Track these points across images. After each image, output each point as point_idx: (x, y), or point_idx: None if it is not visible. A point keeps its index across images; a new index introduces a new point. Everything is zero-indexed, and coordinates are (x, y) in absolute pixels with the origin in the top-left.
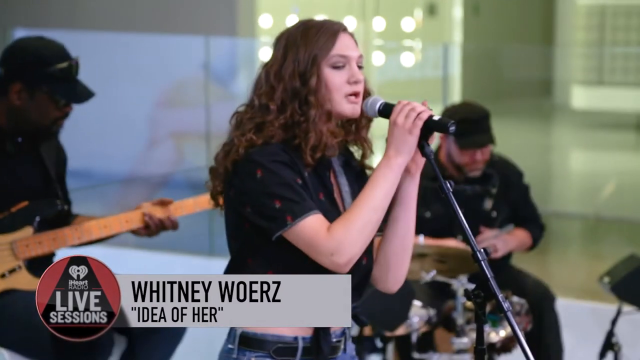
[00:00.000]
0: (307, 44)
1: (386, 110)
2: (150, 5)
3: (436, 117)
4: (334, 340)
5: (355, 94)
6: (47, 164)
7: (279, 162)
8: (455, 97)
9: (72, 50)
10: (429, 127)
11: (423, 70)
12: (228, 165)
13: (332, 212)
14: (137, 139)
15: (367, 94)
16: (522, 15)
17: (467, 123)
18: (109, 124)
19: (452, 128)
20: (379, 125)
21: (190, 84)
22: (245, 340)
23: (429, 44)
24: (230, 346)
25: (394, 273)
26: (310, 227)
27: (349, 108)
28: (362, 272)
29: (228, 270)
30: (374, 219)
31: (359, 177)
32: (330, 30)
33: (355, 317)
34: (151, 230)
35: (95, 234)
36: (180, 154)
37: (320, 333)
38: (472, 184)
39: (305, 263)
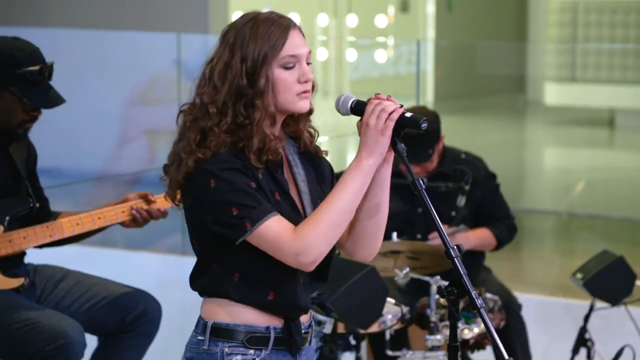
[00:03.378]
0: (257, 41)
1: (358, 108)
2: (123, 3)
3: (408, 114)
4: (304, 330)
5: (305, 92)
6: (17, 163)
7: (230, 170)
8: (429, 93)
9: (43, 48)
10: (401, 124)
11: (396, 67)
12: (180, 178)
13: (290, 210)
14: (108, 136)
15: (314, 87)
16: (495, 11)
17: (409, 137)
18: (79, 122)
19: (424, 125)
20: (350, 124)
21: (163, 81)
22: (216, 331)
23: (402, 40)
24: (200, 338)
25: (368, 247)
26: (272, 230)
27: (301, 105)
28: (324, 260)
29: (194, 273)
30: (342, 220)
31: (315, 160)
32: (280, 29)
33: (321, 305)
34: (139, 222)
35: (67, 231)
36: (152, 152)
37: (291, 324)
38: (446, 181)
39: (270, 263)
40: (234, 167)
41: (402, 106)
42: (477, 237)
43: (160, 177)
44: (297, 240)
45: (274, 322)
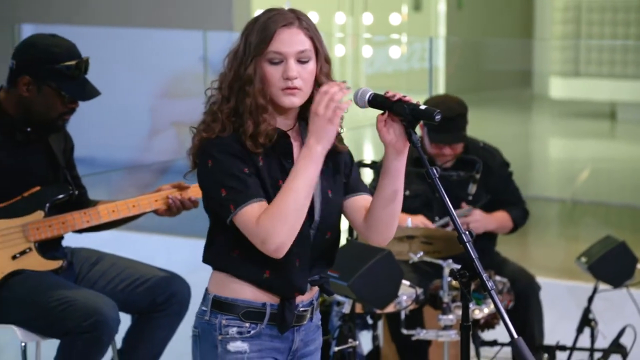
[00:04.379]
0: (254, 34)
1: (375, 101)
2: (152, 2)
3: (422, 107)
4: (301, 309)
5: (290, 88)
6: (56, 152)
7: (227, 154)
8: (440, 88)
9: (78, 44)
10: (416, 116)
11: (409, 63)
12: (192, 156)
13: None
14: (139, 128)
15: (320, 84)
16: (503, 10)
17: (443, 120)
18: (112, 114)
19: (438, 117)
20: (367, 115)
21: (190, 76)
22: (217, 304)
23: (415, 37)
24: (204, 308)
25: (382, 234)
26: (246, 216)
27: (286, 100)
28: (327, 244)
29: (205, 246)
30: (297, 207)
31: (335, 153)
32: (275, 24)
33: (321, 287)
34: (172, 211)
35: (104, 217)
36: (180, 142)
37: (286, 302)
38: (457, 169)
39: None
40: (231, 152)
41: (349, 88)
42: (496, 220)
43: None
44: (259, 228)
45: (271, 299)
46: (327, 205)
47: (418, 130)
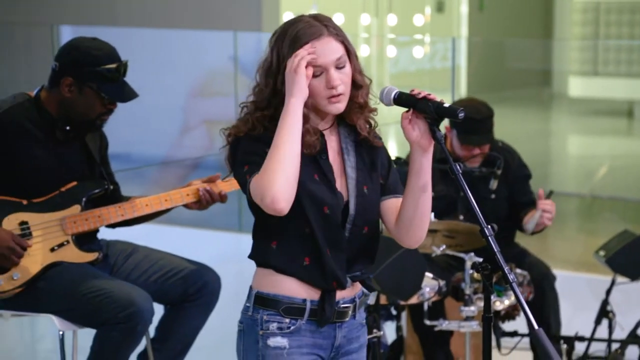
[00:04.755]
0: (282, 49)
1: (400, 99)
2: (184, 3)
3: (446, 105)
4: (342, 305)
5: (335, 96)
6: (92, 150)
7: (254, 140)
8: (462, 86)
9: (116, 46)
10: (440, 113)
11: (432, 62)
12: (228, 159)
13: (327, 191)
14: (171, 126)
15: (359, 85)
16: (523, 10)
17: (471, 122)
18: (146, 113)
19: (462, 115)
20: (391, 113)
21: (221, 76)
22: (259, 300)
23: (438, 38)
24: (247, 304)
25: (413, 234)
26: (253, 182)
27: (333, 108)
28: (364, 240)
29: (253, 243)
30: (283, 156)
31: (372, 149)
32: (304, 38)
33: (362, 282)
34: (202, 204)
35: (138, 211)
36: (211, 139)
37: (326, 295)
38: (479, 166)
39: (301, 230)
40: (255, 136)
41: (441, 99)
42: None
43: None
44: (256, 186)
45: (312, 295)
46: (362, 200)
47: (442, 128)
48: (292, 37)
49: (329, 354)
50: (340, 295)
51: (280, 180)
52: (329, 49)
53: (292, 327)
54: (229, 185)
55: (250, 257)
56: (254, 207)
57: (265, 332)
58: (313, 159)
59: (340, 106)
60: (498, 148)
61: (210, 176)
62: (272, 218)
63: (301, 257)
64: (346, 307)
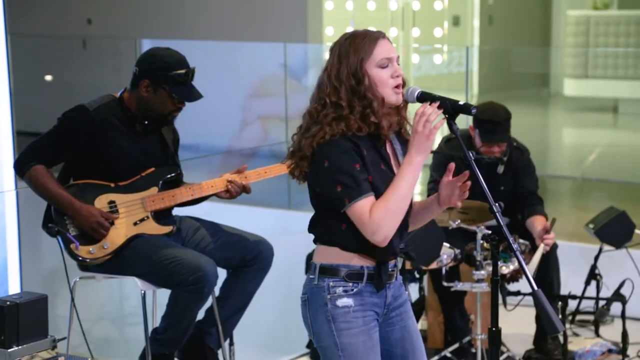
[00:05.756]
0: (355, 50)
1: (423, 97)
2: (243, 20)
3: (461, 102)
4: (390, 270)
5: (398, 86)
6: (167, 141)
7: (341, 152)
8: (474, 88)
9: (186, 55)
10: (456, 109)
11: (449, 67)
12: (309, 150)
13: (389, 177)
14: (233, 120)
15: (404, 83)
16: (526, 23)
17: (492, 123)
18: (212, 110)
19: (474, 110)
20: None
21: (273, 79)
22: (323, 270)
23: (454, 47)
24: (311, 276)
25: (416, 227)
26: (360, 209)
27: (395, 98)
28: (407, 216)
29: (313, 220)
30: (402, 205)
31: (405, 142)
32: (372, 38)
33: (406, 254)
34: (232, 194)
35: (205, 192)
36: (265, 132)
37: (382, 266)
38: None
39: None
40: (344, 151)
41: (446, 103)
42: (543, 222)
43: (282, 161)
44: (372, 221)
45: (367, 263)
46: None
47: (460, 122)
48: (361, 42)
49: (382, 309)
50: (390, 263)
51: (395, 225)
52: (392, 48)
53: (355, 290)
54: (255, 175)
55: (315, 233)
56: (324, 203)
57: (332, 295)
58: (376, 150)
59: (399, 98)
60: (512, 147)
61: (238, 168)
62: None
63: (367, 239)
64: (393, 270)
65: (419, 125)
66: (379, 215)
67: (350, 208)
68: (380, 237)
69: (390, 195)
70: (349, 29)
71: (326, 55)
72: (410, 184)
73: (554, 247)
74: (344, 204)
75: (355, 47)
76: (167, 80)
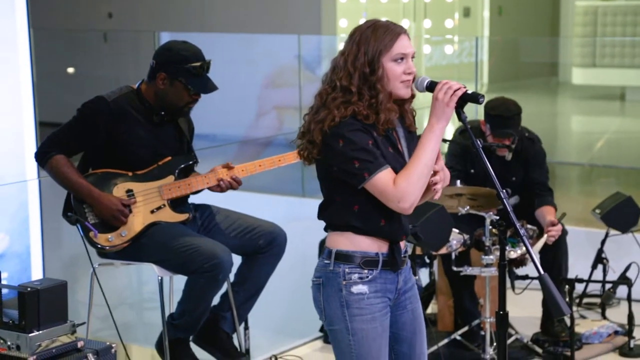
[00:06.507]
0: (376, 40)
1: (431, 87)
2: (258, 13)
3: (470, 92)
4: (402, 256)
5: (406, 81)
6: (184, 130)
7: (354, 131)
8: (485, 77)
9: (201, 47)
10: (465, 98)
11: (460, 57)
12: (319, 137)
13: (399, 159)
14: (249, 110)
15: (414, 78)
16: (535, 14)
17: (502, 119)
18: (228, 100)
19: (482, 99)
20: (425, 100)
21: (287, 70)
22: (339, 256)
23: (464, 37)
24: (326, 261)
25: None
26: (382, 180)
27: (405, 92)
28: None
29: (323, 206)
30: (426, 172)
31: (409, 132)
32: (394, 33)
33: (414, 234)
34: (222, 188)
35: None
36: (280, 122)
37: (394, 247)
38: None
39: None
40: (357, 129)
41: (465, 87)
42: (552, 214)
43: (292, 141)
44: (397, 189)
45: (382, 249)
46: None
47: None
48: (382, 33)
49: (394, 295)
50: (401, 245)
51: (420, 191)
52: (409, 44)
53: (370, 277)
54: (242, 171)
55: (325, 219)
56: (337, 185)
57: (348, 282)
58: (386, 135)
59: (409, 91)
60: (524, 137)
61: (227, 162)
62: (355, 188)
63: (378, 219)
64: (404, 256)
65: (440, 92)
66: (404, 184)
67: (370, 181)
68: (407, 203)
69: (414, 163)
70: (362, 21)
71: (340, 47)
72: (432, 150)
73: (564, 233)
74: (363, 179)
75: (377, 37)
76: (183, 73)
